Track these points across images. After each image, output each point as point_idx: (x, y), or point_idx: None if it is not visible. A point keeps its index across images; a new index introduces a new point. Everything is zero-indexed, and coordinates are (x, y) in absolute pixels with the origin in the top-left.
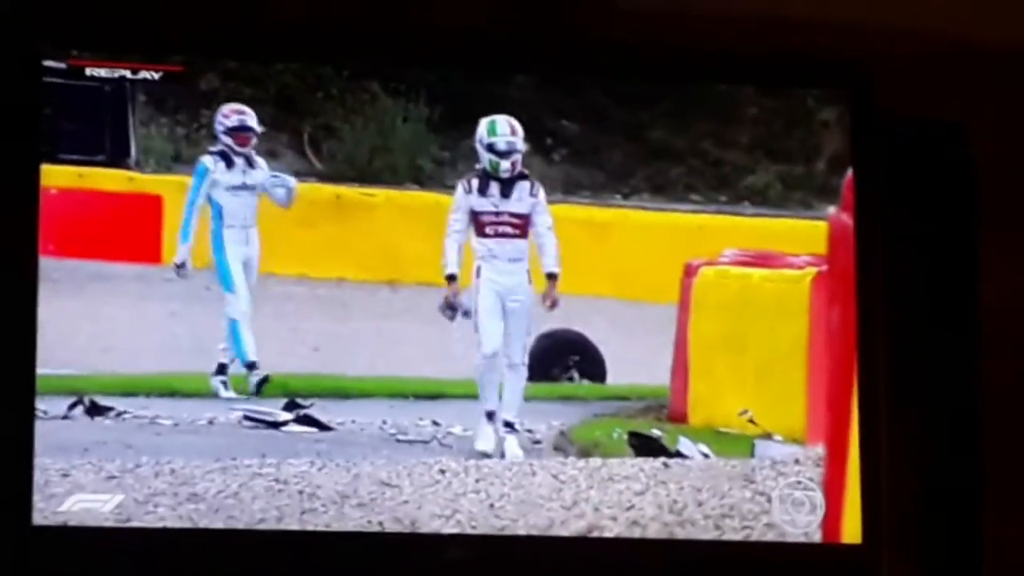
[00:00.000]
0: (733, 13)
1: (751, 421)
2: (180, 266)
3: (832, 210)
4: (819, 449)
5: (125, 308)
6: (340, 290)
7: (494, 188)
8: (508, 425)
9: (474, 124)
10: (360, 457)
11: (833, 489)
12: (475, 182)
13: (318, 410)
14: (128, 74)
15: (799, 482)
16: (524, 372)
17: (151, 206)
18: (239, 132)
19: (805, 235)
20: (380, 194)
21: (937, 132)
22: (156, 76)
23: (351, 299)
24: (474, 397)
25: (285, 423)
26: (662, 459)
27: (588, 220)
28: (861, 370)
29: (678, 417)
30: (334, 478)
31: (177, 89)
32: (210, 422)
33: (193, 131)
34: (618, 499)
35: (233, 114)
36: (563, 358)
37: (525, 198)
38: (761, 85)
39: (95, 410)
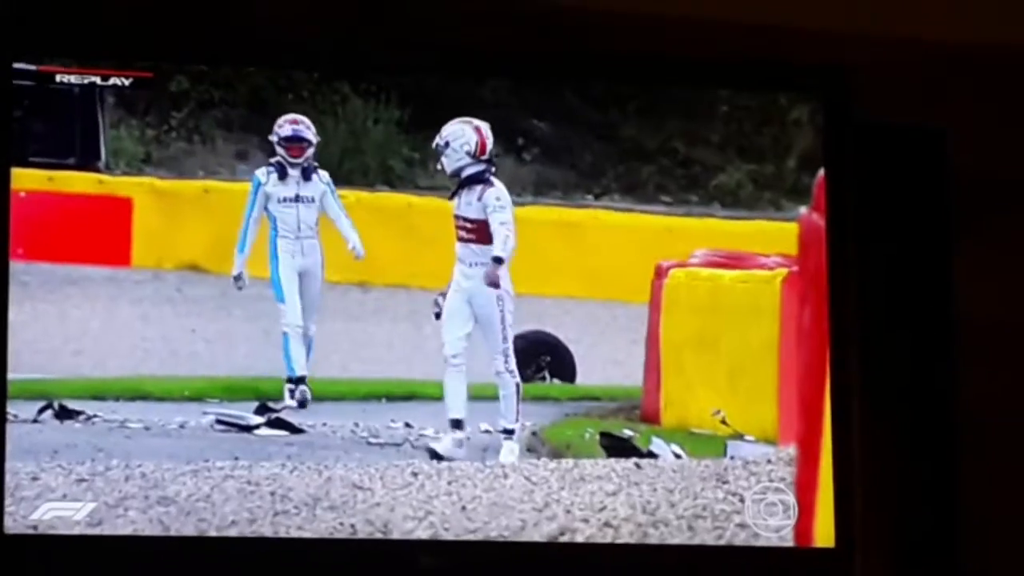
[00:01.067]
0: (710, 18)
1: (723, 422)
2: (237, 277)
3: (803, 210)
4: (791, 449)
5: (95, 311)
6: None
7: (463, 193)
8: (506, 432)
9: (443, 124)
10: (332, 460)
11: (805, 489)
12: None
13: (290, 413)
14: (98, 80)
15: (771, 483)
16: (510, 379)
17: (121, 209)
18: (292, 143)
19: (776, 236)
20: (351, 195)
21: (913, 137)
22: (126, 83)
23: (322, 301)
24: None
25: (257, 426)
26: (634, 460)
27: (559, 221)
28: (833, 372)
29: (650, 417)
30: (306, 480)
31: (147, 92)
32: (181, 426)
33: (163, 133)
34: (590, 500)
35: (287, 124)
36: (534, 359)
37: (474, 203)
38: (736, 89)
39: (65, 414)
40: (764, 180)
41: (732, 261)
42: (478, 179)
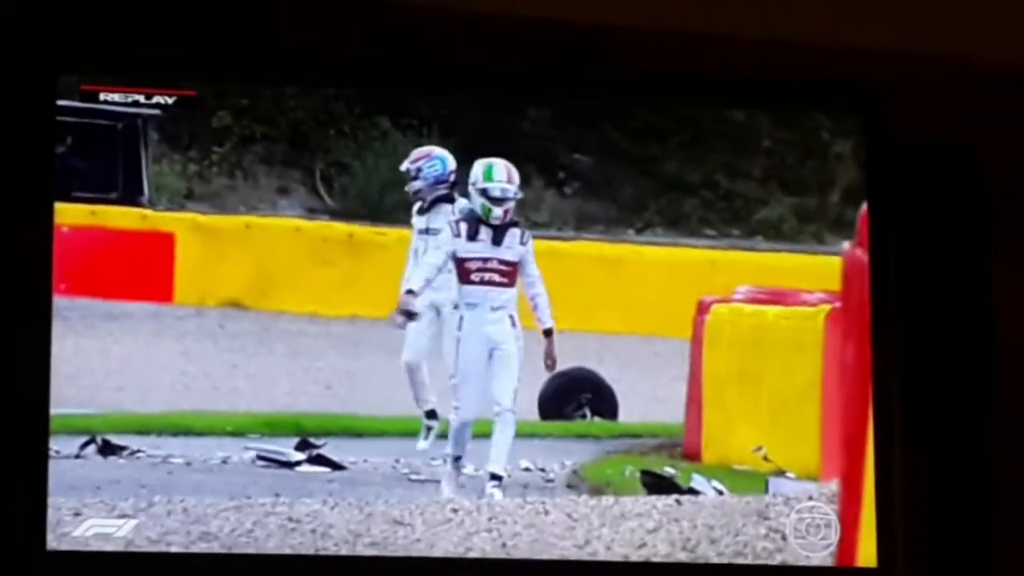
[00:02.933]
0: (745, 38)
1: (765, 458)
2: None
3: (846, 245)
4: (833, 486)
5: (138, 347)
6: (352, 327)
7: (484, 234)
8: (495, 477)
9: (483, 158)
10: (373, 496)
11: (848, 526)
12: (463, 226)
13: (331, 449)
14: (142, 99)
15: (813, 520)
16: (511, 419)
17: (163, 244)
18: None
19: (819, 270)
20: (392, 233)
21: (949, 156)
22: (170, 101)
23: (363, 337)
24: (487, 435)
25: (299, 463)
26: (675, 496)
27: (600, 256)
28: (875, 393)
29: (691, 454)
30: (346, 517)
31: (189, 126)
32: (223, 461)
33: (205, 168)
34: (630, 537)
35: (416, 159)
36: (575, 396)
37: (516, 246)
38: (773, 110)
39: (108, 449)
40: (807, 214)
41: (775, 298)
42: (515, 222)
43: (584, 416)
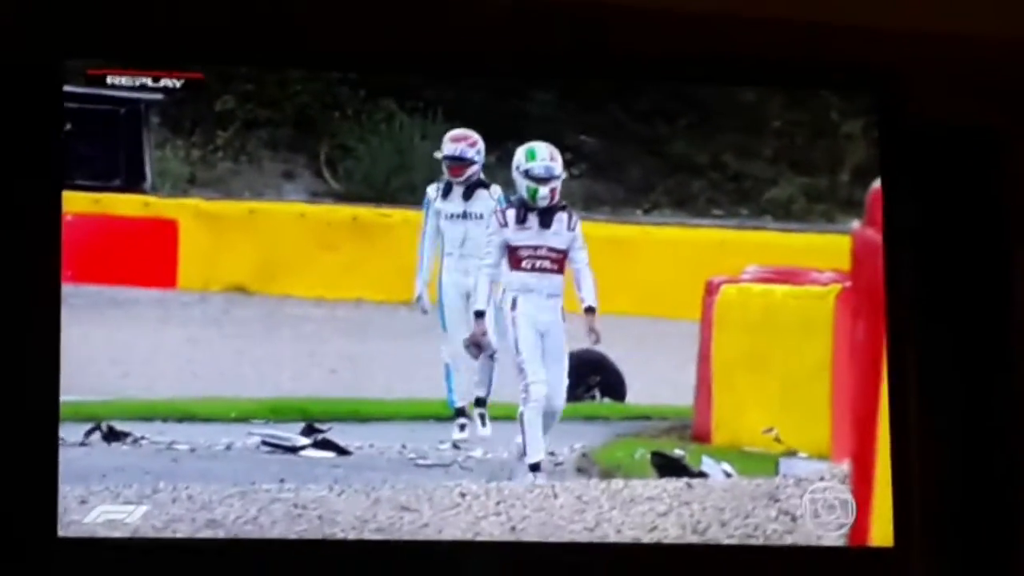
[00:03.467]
0: (762, 17)
1: (776, 439)
2: (417, 298)
3: (856, 224)
4: (844, 466)
5: (142, 334)
6: (358, 311)
7: (532, 219)
8: (535, 468)
9: (493, 141)
10: (379, 481)
11: (860, 505)
12: (511, 213)
13: (336, 434)
14: (149, 81)
15: (826, 499)
16: (561, 406)
17: (167, 231)
18: (453, 162)
19: (829, 250)
20: (396, 214)
21: (967, 137)
22: (177, 84)
23: (369, 320)
24: (496, 418)
25: (303, 447)
26: (685, 479)
27: (608, 237)
28: (890, 374)
29: (701, 436)
30: (353, 503)
31: (192, 110)
32: (227, 447)
33: (209, 153)
34: (641, 520)
35: (449, 142)
36: (584, 378)
37: (563, 232)
38: (789, 89)
39: (112, 436)
40: (816, 193)
41: (784, 277)
42: (563, 205)
43: (593, 398)
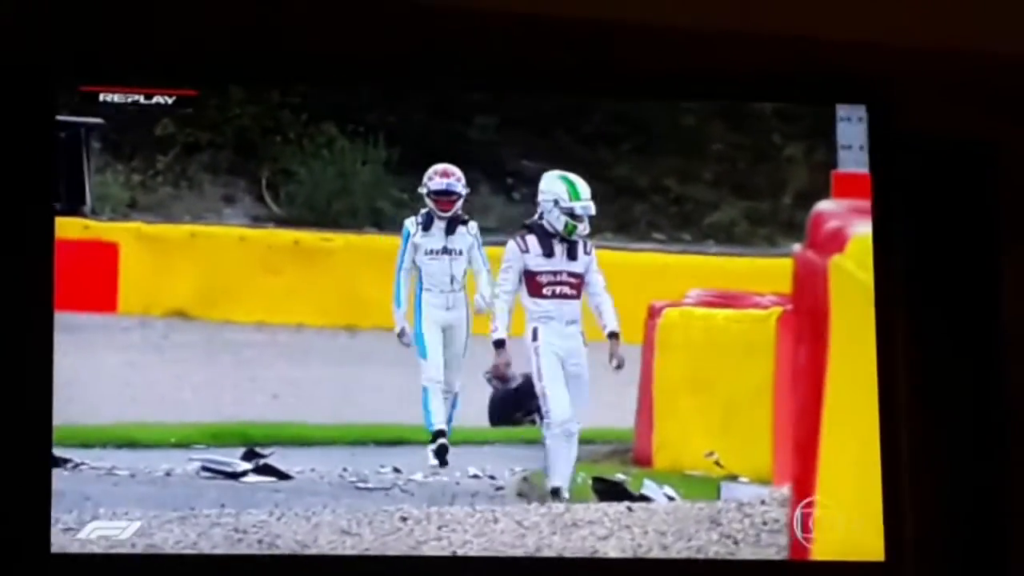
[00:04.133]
0: (755, 32)
1: (717, 463)
2: (400, 334)
3: (797, 247)
4: (785, 490)
5: (82, 358)
6: (299, 336)
7: (558, 248)
8: (555, 492)
9: (432, 165)
10: (320, 506)
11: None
12: (532, 240)
13: (278, 458)
14: (141, 99)
15: (765, 525)
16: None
17: (107, 254)
18: (441, 196)
19: (770, 273)
20: (338, 239)
21: (959, 149)
22: (170, 101)
23: (310, 345)
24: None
25: (244, 473)
26: (626, 503)
27: None
28: (881, 382)
29: (643, 460)
30: (293, 527)
31: (132, 135)
32: (167, 473)
33: (149, 177)
34: (582, 545)
35: (437, 176)
36: (525, 403)
37: (581, 256)
38: (782, 102)
39: (52, 461)
40: (759, 216)
41: (726, 300)
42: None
43: (533, 422)
